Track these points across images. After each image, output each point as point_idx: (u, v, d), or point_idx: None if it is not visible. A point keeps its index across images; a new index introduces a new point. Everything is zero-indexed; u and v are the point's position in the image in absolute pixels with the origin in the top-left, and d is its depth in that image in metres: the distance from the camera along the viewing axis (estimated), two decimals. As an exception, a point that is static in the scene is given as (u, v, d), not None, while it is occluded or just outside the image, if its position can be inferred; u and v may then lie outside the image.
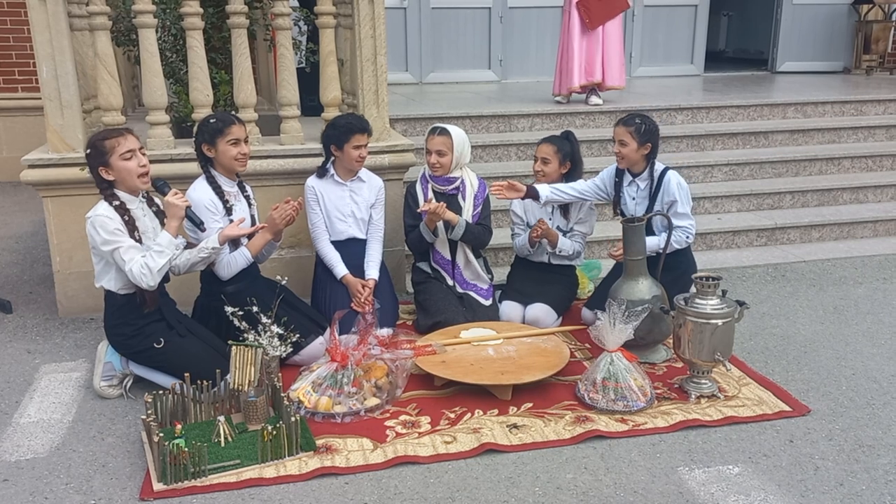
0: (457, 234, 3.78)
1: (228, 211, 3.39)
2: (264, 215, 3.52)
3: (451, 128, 3.81)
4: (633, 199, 3.75)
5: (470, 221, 3.81)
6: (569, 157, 3.86)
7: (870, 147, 6.02)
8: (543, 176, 3.85)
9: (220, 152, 3.35)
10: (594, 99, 6.03)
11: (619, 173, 3.79)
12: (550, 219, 3.91)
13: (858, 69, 8.71)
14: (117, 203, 2.99)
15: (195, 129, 3.46)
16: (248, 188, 3.59)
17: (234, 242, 3.38)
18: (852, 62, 8.80)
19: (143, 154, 3.06)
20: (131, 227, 3.00)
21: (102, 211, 2.96)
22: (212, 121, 3.37)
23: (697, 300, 3.12)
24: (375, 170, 4.02)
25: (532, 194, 3.76)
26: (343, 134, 3.67)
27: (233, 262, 3.37)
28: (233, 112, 4.07)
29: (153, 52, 3.91)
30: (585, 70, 6.00)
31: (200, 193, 3.34)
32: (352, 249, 3.85)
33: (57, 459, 2.76)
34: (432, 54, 7.93)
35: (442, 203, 3.72)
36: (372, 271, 3.82)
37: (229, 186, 3.45)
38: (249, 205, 3.54)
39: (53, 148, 3.85)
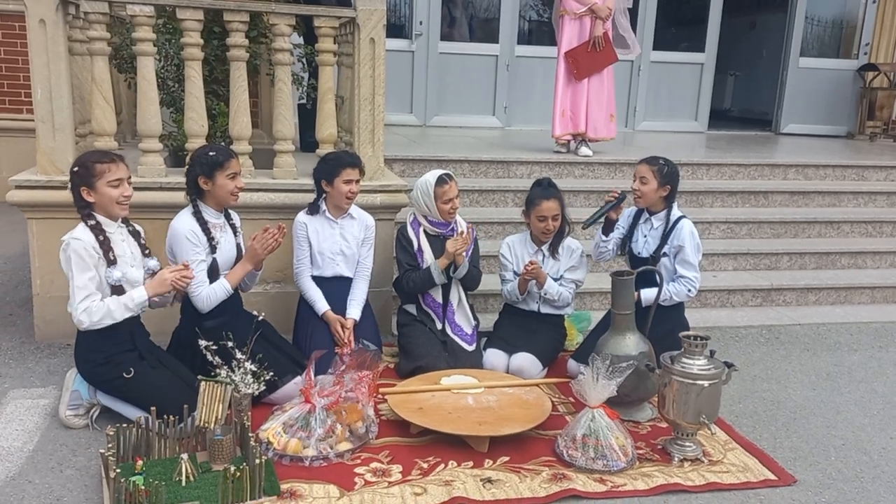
0: (460, 274, 3.82)
1: (213, 248, 3.33)
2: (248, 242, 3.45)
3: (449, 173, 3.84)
4: (645, 236, 3.74)
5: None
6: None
7: (870, 213, 5.99)
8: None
9: (218, 186, 3.30)
10: (583, 150, 6.02)
11: (638, 213, 3.78)
12: (542, 265, 3.85)
13: (862, 135, 8.73)
14: (93, 223, 2.96)
15: (189, 160, 3.41)
16: (234, 216, 3.54)
17: (214, 275, 3.32)
18: (856, 128, 8.83)
19: (130, 184, 3.04)
20: (106, 247, 2.96)
21: (79, 234, 2.92)
22: (211, 153, 3.31)
23: (684, 359, 3.03)
24: (367, 208, 3.98)
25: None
26: (333, 168, 3.65)
27: (212, 295, 3.30)
28: (225, 145, 4.06)
29: (150, 79, 3.91)
30: (571, 120, 6.01)
31: (182, 224, 3.28)
32: (337, 287, 3.79)
33: (11, 490, 2.66)
34: (437, 98, 7.98)
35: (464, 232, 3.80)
36: (353, 311, 3.75)
37: (215, 218, 3.39)
38: (235, 234, 3.49)
39: (42, 170, 3.82)
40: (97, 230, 2.95)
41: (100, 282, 2.95)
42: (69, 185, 2.99)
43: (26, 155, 6.78)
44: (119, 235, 3.05)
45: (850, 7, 9.13)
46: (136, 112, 5.90)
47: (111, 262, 2.96)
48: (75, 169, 2.96)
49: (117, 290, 2.99)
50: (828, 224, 5.75)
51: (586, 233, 5.15)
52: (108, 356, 3.01)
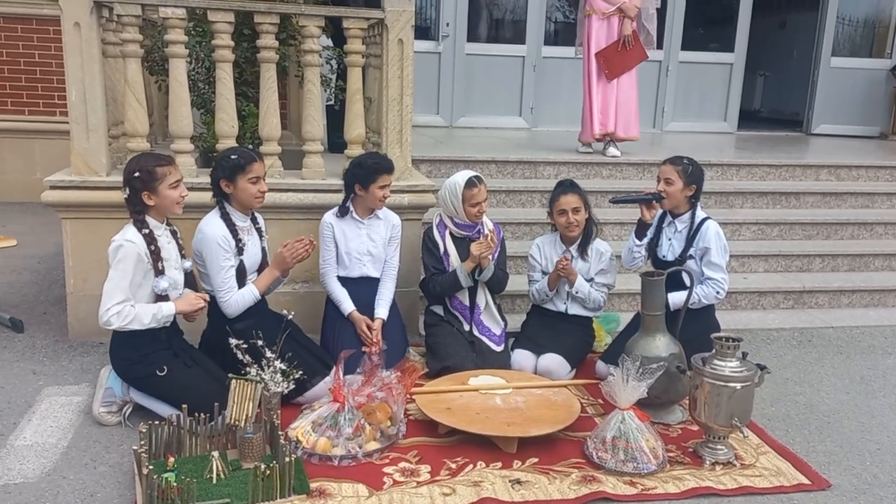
0: (485, 277, 3.79)
1: (240, 251, 3.34)
2: (277, 248, 3.47)
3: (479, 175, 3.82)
4: (670, 239, 3.69)
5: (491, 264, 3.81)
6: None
7: (904, 214, 5.87)
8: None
9: (240, 189, 3.30)
10: (612, 150, 5.98)
11: (661, 217, 3.73)
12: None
13: (895, 135, 8.57)
14: (146, 231, 2.99)
15: (214, 163, 3.43)
16: (259, 220, 3.55)
17: (241, 278, 3.34)
18: (889, 128, 8.67)
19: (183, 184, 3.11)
20: (156, 256, 3.00)
21: (132, 237, 2.95)
22: (233, 157, 3.31)
23: (716, 361, 2.99)
24: (394, 208, 3.99)
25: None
26: (370, 174, 3.63)
27: (240, 301, 3.32)
28: (254, 146, 4.09)
29: (182, 81, 3.95)
30: (601, 120, 5.98)
31: (214, 229, 3.29)
32: (364, 287, 3.79)
33: (46, 486, 2.70)
34: (464, 99, 7.97)
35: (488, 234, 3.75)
36: (381, 311, 3.75)
37: (242, 221, 3.40)
38: (261, 237, 3.51)
39: (76, 170, 3.88)
40: (150, 238, 2.99)
41: (138, 288, 2.98)
42: (126, 190, 2.99)
43: (60, 156, 6.89)
44: (165, 238, 3.09)
45: (882, 6, 8.97)
46: (166, 114, 5.99)
47: (159, 273, 3.01)
48: (136, 174, 2.97)
49: (162, 298, 3.04)
50: (861, 225, 5.65)
51: (615, 234, 5.13)
52: (143, 353, 3.04)
